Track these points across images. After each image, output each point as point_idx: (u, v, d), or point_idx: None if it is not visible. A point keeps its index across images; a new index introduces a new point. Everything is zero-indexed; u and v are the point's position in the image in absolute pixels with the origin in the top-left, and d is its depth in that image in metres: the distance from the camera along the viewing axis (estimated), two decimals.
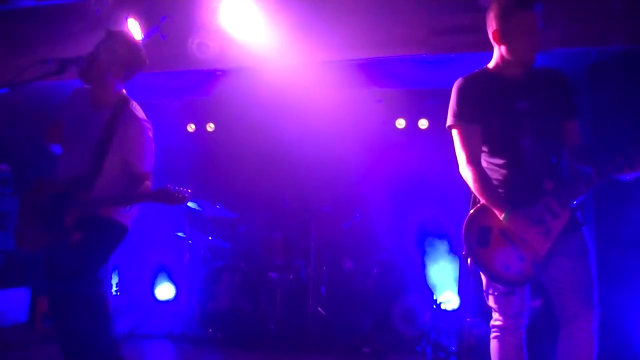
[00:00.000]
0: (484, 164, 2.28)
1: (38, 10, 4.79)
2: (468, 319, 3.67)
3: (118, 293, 5.22)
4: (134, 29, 4.24)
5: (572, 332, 2.13)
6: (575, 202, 2.12)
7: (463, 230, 2.25)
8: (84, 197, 2.46)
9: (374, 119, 5.60)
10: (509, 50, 2.23)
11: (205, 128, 6.06)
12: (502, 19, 2.21)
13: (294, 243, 4.70)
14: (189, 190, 2.47)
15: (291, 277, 4.73)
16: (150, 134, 2.68)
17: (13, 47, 4.85)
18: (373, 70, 4.81)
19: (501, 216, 2.13)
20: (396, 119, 5.57)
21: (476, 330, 3.65)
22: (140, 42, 4.21)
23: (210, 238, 5.08)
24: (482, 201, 2.23)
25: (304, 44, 4.27)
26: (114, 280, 4.94)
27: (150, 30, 4.26)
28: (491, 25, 2.27)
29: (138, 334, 4.62)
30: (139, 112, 2.69)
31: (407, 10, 4.12)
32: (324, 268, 4.88)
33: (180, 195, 2.43)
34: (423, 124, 5.47)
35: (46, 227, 2.50)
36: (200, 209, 4.96)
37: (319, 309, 4.65)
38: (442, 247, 5.01)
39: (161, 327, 4.71)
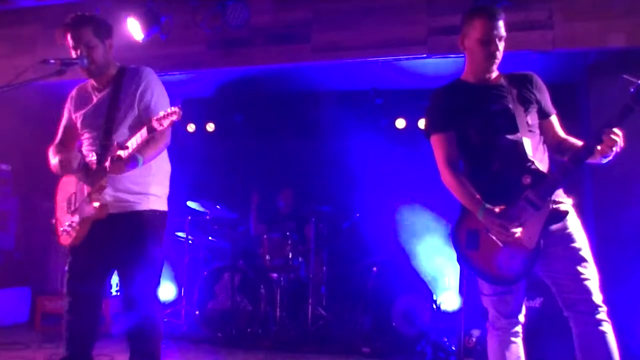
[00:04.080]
0: (463, 167, 2.31)
1: (38, 10, 4.80)
2: (468, 319, 3.67)
3: (118, 293, 5.21)
4: (134, 29, 4.24)
5: (577, 320, 2.09)
6: (556, 192, 2.11)
7: (451, 235, 2.26)
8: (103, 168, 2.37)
9: (374, 119, 5.60)
10: (470, 57, 2.29)
11: (205, 128, 6.06)
12: (463, 27, 2.28)
13: (294, 243, 4.70)
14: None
15: (291, 277, 4.73)
16: (157, 78, 2.61)
17: (13, 47, 4.86)
18: (373, 70, 4.81)
19: (477, 216, 2.13)
20: (396, 119, 5.57)
21: (476, 331, 3.65)
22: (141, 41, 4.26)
23: (210, 238, 5.07)
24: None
25: (303, 44, 4.27)
26: (114, 280, 4.92)
27: (150, 30, 4.26)
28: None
29: None
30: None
31: (407, 10, 4.13)
32: (324, 268, 4.88)
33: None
34: (423, 124, 5.48)
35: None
36: (201, 209, 4.97)
37: (319, 309, 4.66)
38: (442, 246, 5.00)
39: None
